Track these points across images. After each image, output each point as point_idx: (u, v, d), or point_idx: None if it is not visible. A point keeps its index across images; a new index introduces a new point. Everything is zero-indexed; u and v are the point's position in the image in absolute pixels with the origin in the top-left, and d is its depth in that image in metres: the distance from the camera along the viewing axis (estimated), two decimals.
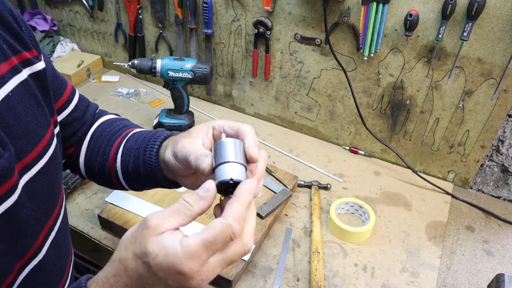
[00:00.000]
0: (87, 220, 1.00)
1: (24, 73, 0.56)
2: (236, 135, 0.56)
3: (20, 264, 0.57)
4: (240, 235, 0.47)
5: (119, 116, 0.82)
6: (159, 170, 0.64)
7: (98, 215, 0.97)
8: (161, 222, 0.45)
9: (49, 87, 0.61)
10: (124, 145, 0.71)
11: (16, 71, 0.54)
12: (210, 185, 0.48)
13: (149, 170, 0.65)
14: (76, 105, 0.74)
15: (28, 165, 0.55)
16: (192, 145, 0.55)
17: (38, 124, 0.57)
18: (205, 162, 0.52)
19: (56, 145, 0.62)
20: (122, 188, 0.75)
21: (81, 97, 0.77)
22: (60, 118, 0.70)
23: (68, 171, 0.81)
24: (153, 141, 0.65)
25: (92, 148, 0.75)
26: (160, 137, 0.66)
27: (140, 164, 0.66)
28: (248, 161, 0.52)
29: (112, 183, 0.74)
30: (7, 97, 0.52)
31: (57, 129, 0.65)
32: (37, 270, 0.60)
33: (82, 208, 1.03)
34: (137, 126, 0.77)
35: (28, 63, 0.57)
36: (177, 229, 0.46)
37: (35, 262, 0.59)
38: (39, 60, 0.60)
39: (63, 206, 0.69)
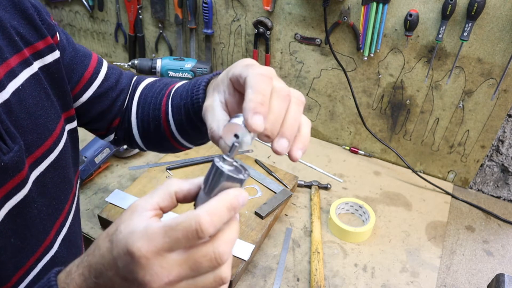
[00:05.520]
0: (87, 220, 1.00)
1: (35, 66, 0.56)
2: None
3: (33, 260, 0.56)
4: (213, 241, 0.38)
5: (157, 77, 0.80)
6: None
7: (98, 215, 0.97)
8: (139, 203, 0.41)
9: (62, 79, 0.60)
10: (172, 98, 0.68)
11: (27, 64, 0.54)
12: (199, 178, 0.44)
13: (199, 112, 0.59)
14: (106, 74, 0.72)
15: (39, 159, 0.55)
16: (212, 112, 0.49)
17: (48, 118, 0.57)
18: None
19: (66, 139, 0.62)
20: (181, 145, 0.71)
21: (111, 66, 0.75)
22: (91, 91, 0.69)
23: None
24: (198, 84, 0.61)
25: (141, 116, 0.72)
26: (204, 80, 0.61)
27: (190, 108, 0.62)
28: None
29: (171, 144, 0.71)
30: (17, 90, 0.51)
31: (71, 125, 0.65)
32: (50, 266, 0.59)
33: (82, 208, 1.03)
34: (177, 82, 0.73)
35: (39, 55, 0.57)
36: (160, 214, 0.42)
37: (47, 258, 0.59)
38: (53, 49, 0.59)
39: (75, 202, 0.68)
